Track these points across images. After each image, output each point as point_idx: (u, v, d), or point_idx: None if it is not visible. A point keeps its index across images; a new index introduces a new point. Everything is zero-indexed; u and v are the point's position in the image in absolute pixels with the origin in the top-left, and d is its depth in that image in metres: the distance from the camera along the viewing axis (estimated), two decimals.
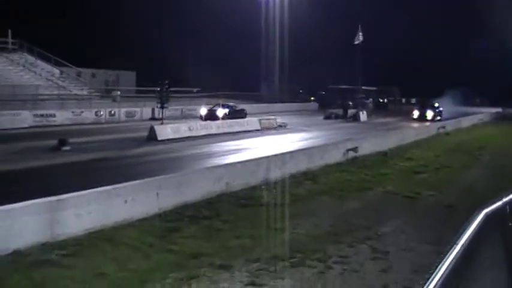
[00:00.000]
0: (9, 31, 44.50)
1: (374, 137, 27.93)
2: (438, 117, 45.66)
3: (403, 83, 65.76)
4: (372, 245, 10.29)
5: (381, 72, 61.64)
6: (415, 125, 40.44)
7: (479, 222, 4.74)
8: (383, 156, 22.32)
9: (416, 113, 46.98)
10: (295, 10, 55.41)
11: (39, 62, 44.40)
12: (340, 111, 46.79)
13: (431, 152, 25.12)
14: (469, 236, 4.31)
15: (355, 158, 20.96)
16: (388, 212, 13.05)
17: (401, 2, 71.67)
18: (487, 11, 59.28)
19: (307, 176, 17.04)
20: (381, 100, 65.10)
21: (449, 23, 70.99)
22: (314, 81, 67.07)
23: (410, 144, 27.24)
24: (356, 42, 49.92)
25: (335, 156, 20.19)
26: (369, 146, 23.21)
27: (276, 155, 17.87)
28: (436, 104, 48.98)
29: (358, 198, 14.53)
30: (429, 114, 46.17)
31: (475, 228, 4.57)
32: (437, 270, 3.62)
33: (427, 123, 41.34)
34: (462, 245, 4.13)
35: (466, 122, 42.62)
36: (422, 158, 22.71)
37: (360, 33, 49.68)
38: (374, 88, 65.31)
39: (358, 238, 10.68)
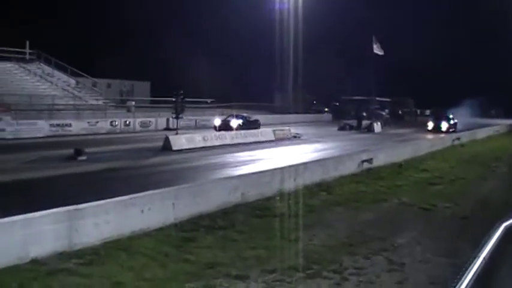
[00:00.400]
0: (27, 42, 45.12)
1: (389, 148, 27.87)
2: (453, 129, 45.45)
3: (417, 94, 65.56)
4: (388, 257, 10.24)
5: (395, 84, 61.45)
6: (430, 136, 40.38)
7: (500, 235, 4.74)
8: (398, 168, 22.22)
9: (431, 125, 46.95)
10: (309, 20, 55.55)
11: (56, 72, 44.94)
12: (354, 122, 46.72)
13: (446, 163, 24.98)
14: (489, 251, 4.30)
15: (370, 169, 20.89)
16: (403, 224, 12.98)
17: (416, 12, 71.54)
18: (502, 20, 59.03)
19: (322, 187, 17.01)
20: (398, 111, 64.72)
21: (463, 33, 70.60)
22: (328, 92, 67.07)
23: (425, 155, 27.11)
24: (379, 53, 50.02)
25: (350, 168, 20.14)
26: (383, 157, 23.15)
27: (290, 166, 17.86)
28: (451, 116, 48.54)
29: (373, 210, 14.48)
30: (444, 125, 46.03)
31: (495, 243, 4.57)
32: (459, 283, 3.60)
33: (442, 135, 40.88)
34: (482, 260, 4.13)
35: (481, 134, 42.30)
36: (437, 170, 22.57)
37: (375, 45, 49.49)
38: (388, 99, 65.15)
39: (373, 249, 10.64)
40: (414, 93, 65.89)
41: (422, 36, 70.45)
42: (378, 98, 59.88)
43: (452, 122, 47.34)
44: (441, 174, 21.39)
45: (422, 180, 19.76)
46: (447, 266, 9.70)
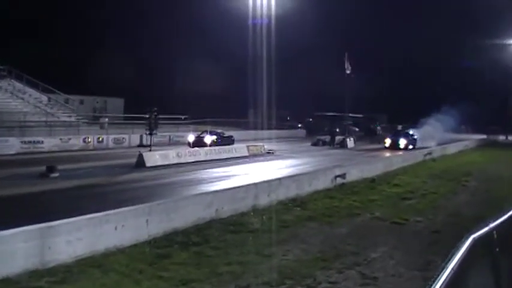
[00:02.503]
0: None
1: (362, 163, 28.12)
2: (412, 146, 43.68)
3: (390, 109, 66.45)
4: (361, 271, 10.35)
5: (367, 99, 62.15)
6: (400, 152, 39.01)
7: (467, 247, 4.84)
8: (371, 183, 22.46)
9: (388, 141, 44.38)
10: (282, 36, 55.92)
11: (28, 89, 44.45)
12: (327, 138, 47.03)
13: (418, 178, 25.29)
14: (457, 262, 4.39)
15: (343, 185, 21.09)
16: (376, 238, 13.11)
17: (388, 28, 72.60)
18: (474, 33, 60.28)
19: (296, 202, 17.12)
20: (371, 126, 65.23)
21: (434, 46, 71.82)
22: (302, 108, 67.52)
23: (397, 170, 27.42)
24: (348, 72, 49.96)
25: (324, 183, 20.30)
26: (356, 172, 23.38)
27: (264, 182, 17.95)
28: (411, 132, 47.10)
29: (346, 224, 14.59)
30: (402, 142, 43.51)
31: (463, 254, 4.67)
32: None
33: (400, 152, 38.68)
34: (451, 270, 4.22)
35: (452, 149, 42.93)
36: (409, 184, 22.85)
37: (347, 63, 49.83)
38: (361, 115, 65.83)
39: (347, 264, 10.74)
40: (388, 109, 66.75)
41: (397, 51, 71.44)
42: (350, 114, 60.39)
43: (411, 138, 45.32)
44: (413, 188, 21.66)
45: (394, 195, 19.98)
46: (419, 279, 9.83)
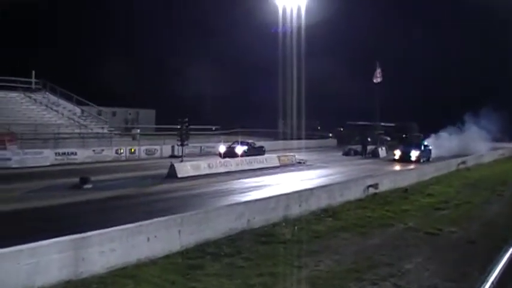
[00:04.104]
0: (33, 72, 45.51)
1: (394, 173, 27.85)
2: (425, 158, 40.18)
3: (422, 118, 65.26)
4: (395, 282, 10.20)
5: (399, 108, 61.45)
6: (412, 166, 35.34)
7: (507, 259, 4.74)
8: (403, 193, 22.19)
9: (398, 153, 40.38)
10: (312, 45, 55.90)
11: (62, 101, 45.17)
12: (359, 148, 46.69)
13: (451, 187, 24.94)
14: (498, 274, 4.30)
15: (375, 195, 20.89)
16: (410, 249, 12.93)
17: (422, 35, 71.82)
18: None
19: (328, 212, 17.00)
20: (402, 136, 64.24)
21: (466, 54, 70.61)
22: (332, 117, 67.24)
23: (430, 180, 27.09)
24: (375, 81, 49.30)
25: (355, 193, 20.14)
26: (389, 182, 23.16)
27: (296, 192, 17.90)
28: (425, 142, 43.28)
29: (379, 235, 14.43)
30: (413, 154, 39.28)
31: (502, 267, 4.57)
32: None
33: (412, 166, 35.22)
34: (492, 283, 4.13)
35: (487, 158, 42.20)
36: (442, 194, 22.54)
37: (378, 70, 49.32)
38: (393, 124, 65.17)
39: (380, 275, 10.60)
40: (420, 118, 65.65)
41: (428, 58, 70.61)
42: (382, 123, 59.87)
43: (424, 149, 41.31)
44: (447, 198, 21.35)
45: (428, 205, 19.71)
46: None
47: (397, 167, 34.55)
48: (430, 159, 40.34)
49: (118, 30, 65.42)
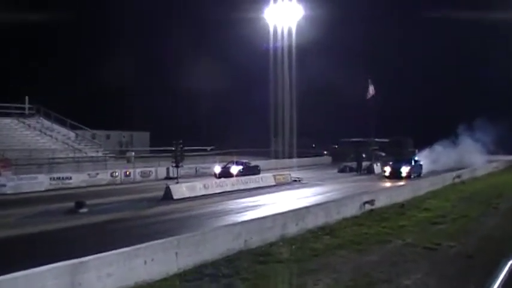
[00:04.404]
0: (26, 97, 45.63)
1: (390, 189, 27.88)
2: (416, 174, 39.60)
3: (416, 132, 65.30)
4: None
5: (393, 123, 61.60)
6: (402, 182, 34.47)
7: (507, 272, 4.75)
8: (400, 208, 22.18)
9: (388, 169, 39.55)
10: (303, 63, 56.26)
11: (55, 126, 45.29)
12: (354, 164, 46.77)
13: (448, 202, 24.94)
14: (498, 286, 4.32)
15: (371, 211, 20.86)
16: (408, 264, 12.89)
17: (410, 50, 72.30)
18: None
19: (325, 230, 16.95)
20: (397, 152, 64.12)
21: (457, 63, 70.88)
22: (326, 135, 67.40)
23: (426, 194, 27.13)
24: (368, 97, 49.44)
25: (352, 210, 20.12)
26: (385, 198, 23.16)
27: (292, 211, 17.87)
28: (416, 158, 43.33)
29: (377, 251, 14.38)
30: (404, 170, 38.66)
31: (503, 279, 4.58)
32: None
33: (401, 182, 34.38)
34: None
35: (481, 171, 42.30)
36: (439, 208, 22.51)
37: (371, 87, 49.54)
38: (387, 140, 65.30)
39: None
40: (414, 133, 65.73)
41: (418, 73, 71.04)
42: (376, 139, 59.98)
43: (414, 164, 40.74)
44: (443, 213, 21.32)
45: (425, 220, 19.68)
46: None
47: (391, 183, 34.45)
48: (421, 175, 39.79)
49: (110, 54, 65.66)
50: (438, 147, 48.74)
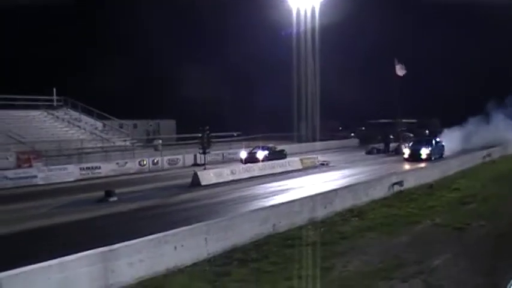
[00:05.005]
0: (54, 89, 46.15)
1: (418, 169, 27.63)
2: (437, 155, 37.75)
3: (445, 112, 64.29)
4: (425, 279, 10.09)
5: (421, 104, 60.77)
6: (422, 164, 33.68)
7: None
8: (429, 189, 22.00)
9: (407, 152, 37.93)
10: (328, 45, 55.68)
11: (83, 117, 45.74)
12: (381, 146, 46.44)
13: (478, 181, 24.63)
14: None
15: (400, 192, 20.74)
16: (438, 245, 12.80)
17: (438, 29, 70.98)
18: None
19: (354, 212, 16.92)
20: (424, 132, 63.40)
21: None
22: (353, 117, 66.93)
23: (455, 174, 26.83)
24: (400, 74, 48.64)
25: (380, 192, 20.02)
26: (413, 179, 22.97)
27: (320, 194, 17.84)
28: (438, 139, 41.08)
29: (406, 233, 14.31)
30: (424, 152, 36.98)
31: None
32: None
33: (422, 164, 33.51)
34: None
35: None
36: (469, 188, 22.28)
37: (398, 66, 48.78)
38: (414, 120, 64.62)
39: (409, 273, 10.50)
40: (441, 113, 64.72)
41: (448, 52, 69.64)
42: (404, 120, 59.36)
43: (436, 146, 38.93)
44: (473, 192, 21.09)
45: (454, 200, 19.50)
46: (486, 286, 9.54)
47: (422, 164, 33.92)
48: (443, 156, 38.46)
49: (135, 44, 66.00)
50: (469, 126, 47.66)
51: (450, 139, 42.42)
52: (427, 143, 38.90)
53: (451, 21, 67.35)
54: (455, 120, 48.77)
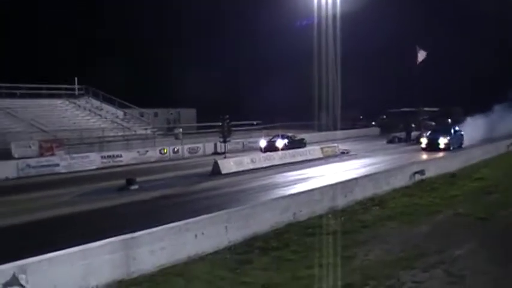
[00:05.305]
0: (76, 78, 46.59)
1: (440, 158, 27.38)
2: (456, 145, 36.53)
3: (468, 100, 63.38)
4: (447, 269, 10.03)
5: (444, 92, 60.10)
6: (440, 154, 32.78)
7: None
8: (451, 178, 21.78)
9: (424, 141, 36.58)
10: (348, 33, 55.32)
11: (104, 105, 46.11)
12: (403, 135, 46.10)
13: (501, 170, 24.35)
14: None
15: (422, 181, 20.58)
16: (460, 235, 12.70)
17: (459, 16, 69.97)
18: None
19: (374, 201, 16.84)
20: (447, 121, 62.57)
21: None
22: (374, 105, 66.47)
23: (478, 163, 26.51)
24: (420, 60, 48.09)
25: (401, 180, 19.89)
26: (435, 168, 22.77)
27: (341, 183, 17.79)
28: (457, 128, 39.36)
29: (428, 222, 14.20)
30: (442, 141, 35.59)
31: None
32: None
33: (440, 153, 32.62)
34: None
35: None
36: (492, 178, 21.99)
37: (420, 52, 48.30)
38: (436, 109, 63.92)
39: (431, 262, 10.44)
40: (465, 100, 63.78)
41: (469, 39, 68.60)
42: (426, 108, 58.80)
43: (454, 135, 37.55)
44: (496, 182, 20.81)
45: (477, 190, 19.29)
46: (509, 277, 9.46)
47: (441, 154, 33.47)
48: (463, 145, 37.14)
49: (157, 30, 66.25)
50: (493, 115, 46.73)
51: (473, 128, 41.61)
52: (446, 132, 37.29)
53: (474, 3, 66.24)
54: (479, 108, 47.88)
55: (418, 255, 10.96)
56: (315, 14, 55.88)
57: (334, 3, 55.04)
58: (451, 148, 35.37)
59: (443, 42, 65.47)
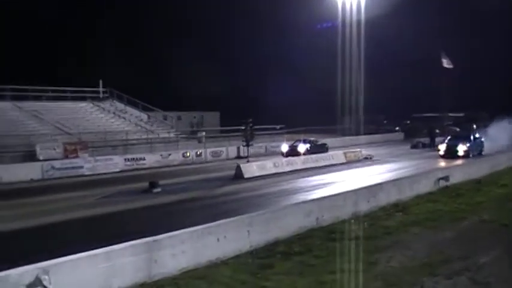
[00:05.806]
0: (100, 81, 47.10)
1: (465, 164, 27.07)
2: (476, 152, 35.06)
3: (494, 105, 62.55)
4: (471, 277, 9.88)
5: (469, 97, 59.41)
6: (459, 161, 31.82)
7: None
8: (476, 184, 21.51)
9: (442, 148, 35.28)
10: (373, 37, 55.10)
11: (128, 108, 46.52)
12: (427, 140, 45.66)
13: None
14: None
15: (446, 187, 20.36)
16: (485, 242, 12.52)
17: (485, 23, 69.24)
18: None
19: (398, 207, 16.69)
20: (472, 126, 61.65)
21: None
22: (398, 110, 66.06)
23: (504, 170, 26.15)
24: (449, 67, 47.48)
25: (426, 186, 19.70)
26: (460, 174, 22.52)
27: (364, 188, 17.68)
28: (477, 135, 37.77)
29: (452, 229, 14.02)
30: (461, 148, 34.25)
31: None
32: None
33: (459, 161, 31.71)
34: None
35: None
36: None
37: (444, 60, 47.87)
38: (461, 114, 63.26)
39: (455, 269, 10.30)
40: (490, 106, 63.00)
41: (496, 45, 67.82)
42: (450, 114, 58.23)
43: (474, 141, 36.05)
44: None
45: (502, 196, 19.03)
46: None
47: (460, 161, 32.70)
48: (483, 153, 35.62)
49: (179, 34, 66.64)
50: None
51: (499, 133, 40.95)
52: (465, 139, 35.89)
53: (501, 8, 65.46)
54: (505, 113, 47.08)
55: (441, 262, 10.83)
56: (339, 17, 55.78)
57: (358, 7, 54.85)
58: (471, 155, 34.10)
59: (470, 47, 64.75)
